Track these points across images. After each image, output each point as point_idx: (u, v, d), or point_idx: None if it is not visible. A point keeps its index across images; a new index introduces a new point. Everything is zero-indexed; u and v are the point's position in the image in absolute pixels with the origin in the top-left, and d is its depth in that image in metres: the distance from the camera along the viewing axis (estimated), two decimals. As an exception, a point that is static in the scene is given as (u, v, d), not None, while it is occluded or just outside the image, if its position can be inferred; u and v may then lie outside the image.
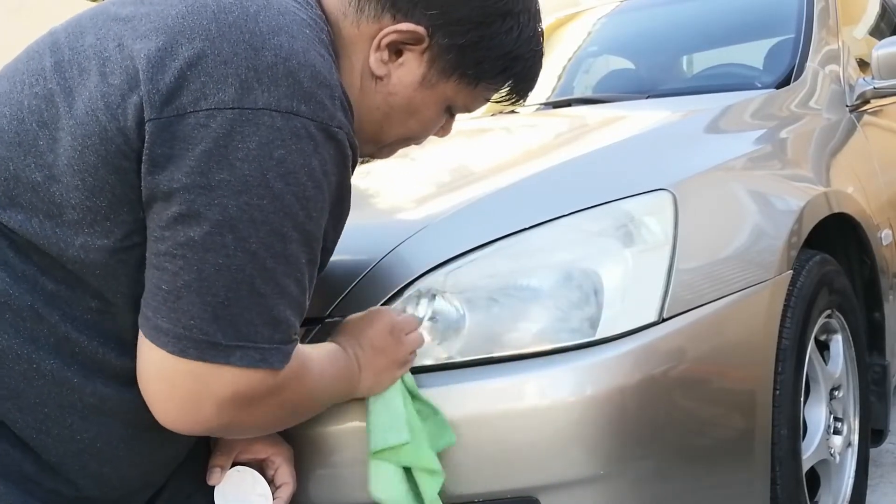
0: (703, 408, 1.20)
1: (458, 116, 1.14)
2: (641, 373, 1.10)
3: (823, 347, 1.64)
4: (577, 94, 2.60)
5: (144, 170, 0.83)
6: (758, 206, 1.47)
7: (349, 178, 0.94)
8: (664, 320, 1.14)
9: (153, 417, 0.87)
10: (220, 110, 0.82)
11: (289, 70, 0.84)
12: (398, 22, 0.98)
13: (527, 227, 1.17)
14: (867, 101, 2.24)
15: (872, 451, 1.78)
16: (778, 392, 1.30)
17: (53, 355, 0.87)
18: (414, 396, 1.08)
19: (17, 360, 0.86)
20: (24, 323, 0.85)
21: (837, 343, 1.66)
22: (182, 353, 0.83)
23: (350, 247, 1.09)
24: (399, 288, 1.14)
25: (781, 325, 1.33)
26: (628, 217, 1.21)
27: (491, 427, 1.07)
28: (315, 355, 0.97)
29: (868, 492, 1.71)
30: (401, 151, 1.15)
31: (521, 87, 1.11)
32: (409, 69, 1.01)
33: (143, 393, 0.87)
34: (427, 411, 1.07)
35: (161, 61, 0.83)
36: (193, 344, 0.83)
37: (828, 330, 1.64)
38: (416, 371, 1.10)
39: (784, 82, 2.05)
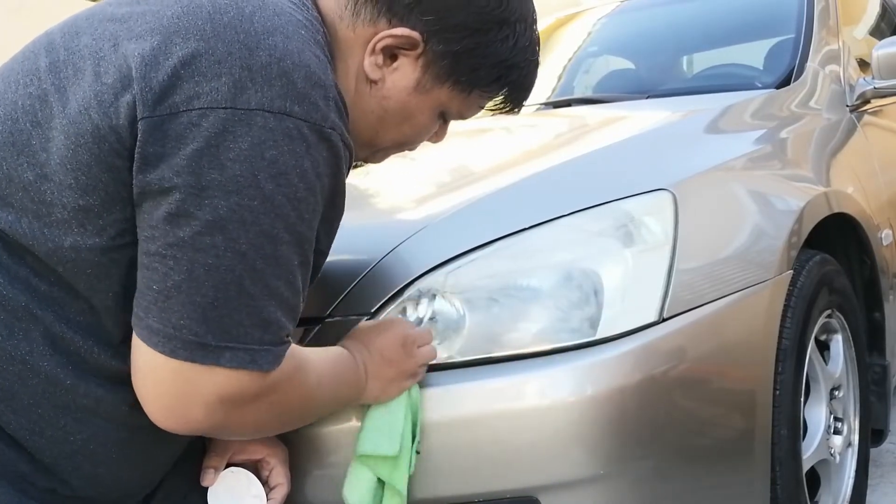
0: (703, 408, 1.20)
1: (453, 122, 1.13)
2: (641, 373, 1.10)
3: (823, 347, 1.64)
4: (577, 94, 2.60)
5: (136, 168, 0.82)
6: (758, 206, 1.47)
7: (343, 180, 0.94)
8: (664, 320, 1.14)
9: (147, 418, 0.87)
10: (212, 109, 0.81)
11: (283, 70, 0.84)
12: (394, 26, 0.98)
13: (527, 227, 1.17)
14: (867, 101, 2.24)
15: (872, 451, 1.78)
16: (778, 392, 1.30)
17: (48, 356, 0.86)
18: (415, 419, 1.07)
19: (11, 361, 0.86)
20: (19, 324, 0.85)
21: (837, 343, 1.66)
22: (172, 353, 0.83)
23: (350, 247, 1.09)
24: (399, 288, 1.14)
25: (781, 325, 1.33)
26: (628, 217, 1.21)
27: (491, 427, 1.07)
28: (314, 358, 0.96)
29: (868, 492, 1.71)
30: (400, 152, 1.15)
31: (516, 95, 1.11)
32: (404, 74, 1.01)
33: (136, 392, 0.87)
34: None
35: (155, 60, 0.83)
36: (183, 344, 0.82)
37: (828, 330, 1.64)
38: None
39: (784, 82, 2.05)
